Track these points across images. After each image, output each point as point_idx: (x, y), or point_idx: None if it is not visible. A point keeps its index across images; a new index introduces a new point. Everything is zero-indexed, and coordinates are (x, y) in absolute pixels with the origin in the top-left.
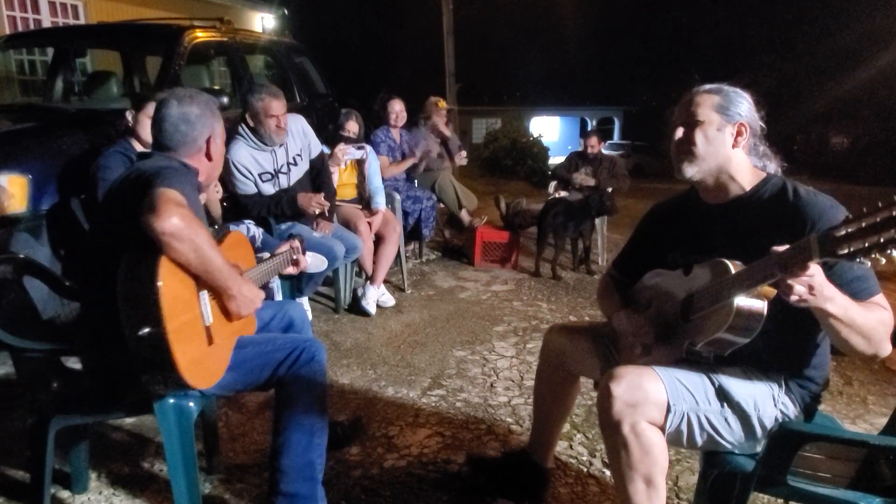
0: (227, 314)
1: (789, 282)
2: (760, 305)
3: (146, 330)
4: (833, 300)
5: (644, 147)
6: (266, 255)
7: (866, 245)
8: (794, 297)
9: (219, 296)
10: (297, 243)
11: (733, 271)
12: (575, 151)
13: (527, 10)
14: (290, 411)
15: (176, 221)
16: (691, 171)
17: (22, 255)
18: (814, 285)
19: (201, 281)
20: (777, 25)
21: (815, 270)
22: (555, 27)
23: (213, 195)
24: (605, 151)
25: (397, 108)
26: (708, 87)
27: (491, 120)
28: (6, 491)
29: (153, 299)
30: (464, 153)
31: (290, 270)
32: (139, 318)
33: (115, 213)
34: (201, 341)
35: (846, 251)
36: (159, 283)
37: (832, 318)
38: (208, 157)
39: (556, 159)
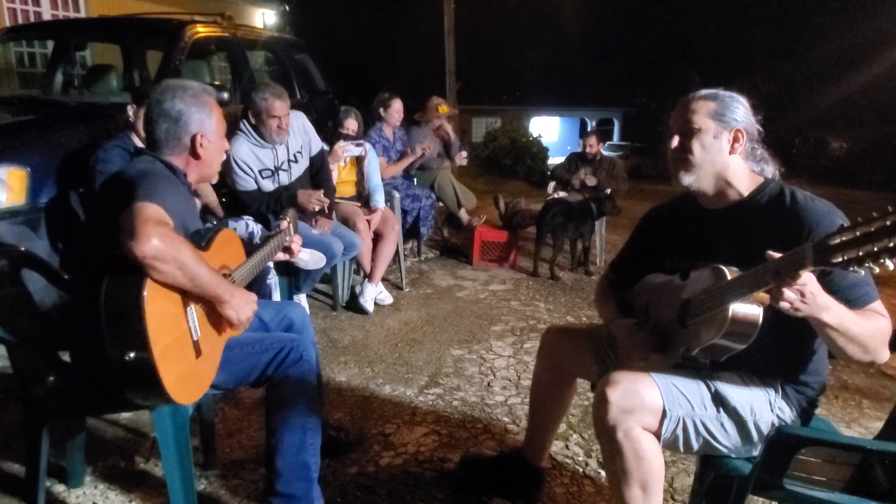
0: (217, 323)
1: (781, 289)
2: (756, 312)
3: (132, 354)
4: (829, 309)
5: (643, 148)
6: (257, 241)
7: (860, 254)
8: (785, 305)
9: (208, 305)
10: (285, 224)
11: (729, 277)
12: (574, 152)
13: (528, 10)
14: (281, 412)
15: (156, 243)
16: (689, 180)
17: (20, 248)
18: (805, 293)
19: (190, 295)
20: (777, 29)
21: (807, 279)
22: (555, 27)
23: (210, 190)
24: (604, 152)
25: (394, 106)
26: (704, 92)
27: (490, 119)
28: (1, 484)
29: (139, 323)
30: (464, 153)
31: (281, 257)
32: (124, 341)
33: (100, 218)
34: (189, 356)
35: (840, 260)
36: (145, 307)
37: (828, 327)
38: (195, 156)
39: (555, 159)
